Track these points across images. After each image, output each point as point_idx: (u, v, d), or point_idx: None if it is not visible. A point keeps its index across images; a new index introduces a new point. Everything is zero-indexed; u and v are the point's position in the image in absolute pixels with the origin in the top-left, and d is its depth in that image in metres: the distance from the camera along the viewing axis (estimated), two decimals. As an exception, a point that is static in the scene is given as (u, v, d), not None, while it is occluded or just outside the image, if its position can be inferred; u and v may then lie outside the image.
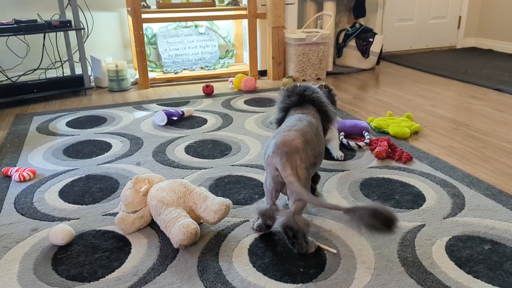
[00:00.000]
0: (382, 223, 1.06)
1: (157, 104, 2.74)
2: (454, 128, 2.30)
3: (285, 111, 1.47)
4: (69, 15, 3.04)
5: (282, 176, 1.19)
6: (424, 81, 3.30)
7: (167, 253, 1.28)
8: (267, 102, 2.75)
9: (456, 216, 1.45)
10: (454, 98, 2.84)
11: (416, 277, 1.16)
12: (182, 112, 2.44)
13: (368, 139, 2.05)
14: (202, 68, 3.56)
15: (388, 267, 1.20)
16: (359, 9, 3.80)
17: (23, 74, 3.22)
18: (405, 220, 1.43)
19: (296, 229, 1.22)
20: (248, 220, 1.44)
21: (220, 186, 1.67)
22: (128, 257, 1.27)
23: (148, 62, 3.42)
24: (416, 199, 1.56)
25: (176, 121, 2.41)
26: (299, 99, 1.45)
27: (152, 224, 1.42)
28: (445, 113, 2.54)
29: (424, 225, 1.40)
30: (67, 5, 2.96)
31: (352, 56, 3.73)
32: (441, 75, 3.47)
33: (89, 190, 1.66)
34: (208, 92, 2.93)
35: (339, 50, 3.79)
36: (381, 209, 1.07)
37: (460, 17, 4.56)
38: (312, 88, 1.47)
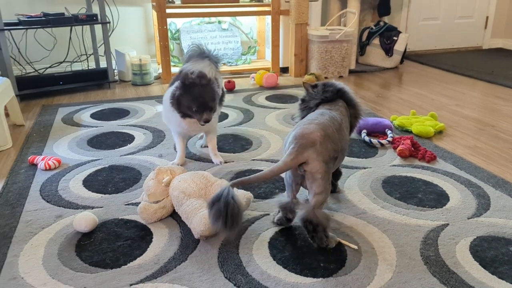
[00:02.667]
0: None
1: (179, 98, 2.76)
2: (480, 128, 2.25)
3: (316, 106, 1.46)
4: (95, 9, 3.08)
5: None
6: (449, 81, 3.25)
7: (188, 243, 1.29)
8: (288, 99, 2.75)
9: (481, 217, 1.42)
10: (480, 99, 2.79)
11: (439, 276, 1.14)
12: (204, 106, 2.45)
13: (391, 137, 2.02)
14: (224, 64, 3.57)
15: (410, 265, 1.19)
16: (383, 7, 3.76)
17: (50, 67, 3.28)
18: (428, 219, 1.41)
19: (316, 223, 1.22)
20: (268, 214, 1.44)
21: (241, 180, 1.68)
22: (150, 246, 1.28)
23: (171, 57, 3.45)
24: (439, 198, 1.54)
25: (198, 115, 2.42)
26: (334, 95, 1.43)
27: (174, 215, 1.44)
28: (470, 113, 2.49)
29: (447, 224, 1.38)
30: (94, -1, 3.01)
31: (375, 55, 3.69)
32: (466, 75, 3.40)
33: (112, 180, 1.68)
34: (230, 88, 2.94)
35: (362, 48, 3.76)
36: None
37: (487, 17, 4.46)
38: (346, 88, 1.46)
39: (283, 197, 1.33)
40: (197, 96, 1.59)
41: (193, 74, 1.58)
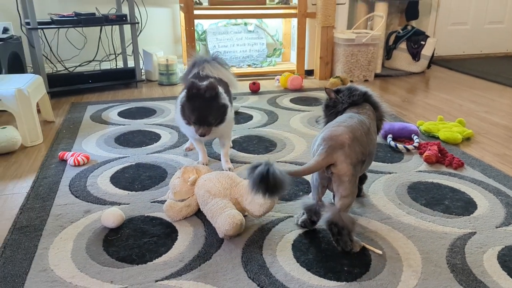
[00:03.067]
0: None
1: (205, 99, 2.78)
2: (509, 136, 2.20)
3: (344, 110, 1.45)
4: (125, 10, 3.14)
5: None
6: (477, 87, 3.18)
7: (212, 242, 1.30)
8: (313, 101, 2.74)
9: (510, 226, 1.39)
10: (510, 106, 2.73)
11: (466, 285, 1.12)
12: (229, 107, 2.47)
13: (417, 142, 2.00)
14: (249, 65, 3.59)
15: (436, 272, 1.17)
16: (411, 11, 3.72)
17: (79, 65, 3.36)
18: (455, 226, 1.39)
19: (341, 226, 1.22)
20: (292, 216, 1.44)
21: (265, 181, 1.68)
22: (175, 243, 1.30)
23: (197, 58, 3.48)
24: (467, 206, 1.51)
25: (223, 116, 2.44)
26: (360, 99, 1.43)
27: (198, 214, 1.45)
28: (500, 121, 2.44)
29: (475, 232, 1.35)
30: (124, 0, 3.07)
31: (402, 59, 3.65)
32: (495, 82, 3.33)
33: (139, 178, 1.71)
34: (255, 89, 2.95)
35: (388, 52, 3.72)
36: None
37: (519, 22, 4.36)
38: (371, 92, 1.46)
39: (309, 199, 1.33)
40: (197, 108, 1.55)
41: (201, 85, 1.53)
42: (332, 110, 1.46)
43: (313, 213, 1.32)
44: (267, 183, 1.07)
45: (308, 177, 1.69)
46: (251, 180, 1.10)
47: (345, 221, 1.22)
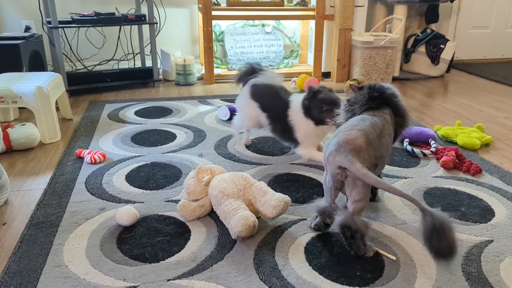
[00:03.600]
0: (438, 246, 1.05)
1: (221, 100, 2.80)
2: (530, 143, 2.16)
3: (361, 113, 1.43)
4: (143, 10, 3.17)
5: (351, 171, 1.17)
6: (498, 92, 3.13)
7: (225, 243, 1.31)
8: (329, 104, 2.72)
9: (528, 235, 1.36)
10: (531, 112, 2.67)
11: (481, 293, 1.10)
12: (245, 108, 2.48)
13: (434, 147, 1.97)
14: (266, 67, 3.59)
15: (450, 280, 1.15)
16: (431, 14, 3.67)
17: (98, 64, 3.41)
18: (472, 233, 1.36)
19: (354, 229, 1.21)
20: (305, 219, 1.44)
21: (279, 183, 1.68)
22: (188, 243, 1.31)
23: (214, 59, 3.50)
24: (484, 213, 1.48)
25: (238, 117, 2.45)
26: (381, 103, 1.40)
27: (212, 214, 1.46)
28: (520, 127, 2.39)
29: (492, 240, 1.33)
30: (143, 0, 3.10)
31: (420, 62, 3.61)
32: (517, 87, 3.26)
33: (154, 177, 1.73)
34: (271, 91, 2.95)
35: (407, 55, 3.68)
36: (447, 230, 1.05)
37: (542, 26, 4.27)
38: (396, 94, 1.43)
39: (322, 202, 1.32)
40: (327, 98, 1.78)
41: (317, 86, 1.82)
42: (351, 108, 1.44)
43: (326, 215, 1.31)
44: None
45: (321, 179, 1.68)
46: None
47: (358, 225, 1.21)
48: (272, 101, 1.91)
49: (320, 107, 1.77)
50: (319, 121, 1.81)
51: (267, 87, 1.94)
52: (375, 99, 1.39)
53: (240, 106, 2.00)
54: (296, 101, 1.85)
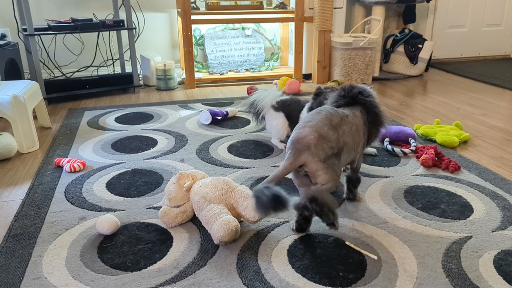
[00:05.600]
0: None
1: (202, 104, 2.79)
2: (506, 139, 2.20)
3: None
4: (122, 15, 3.15)
5: (306, 168, 1.25)
6: (475, 90, 3.18)
7: (208, 248, 1.30)
8: (310, 106, 2.74)
9: (506, 230, 1.38)
10: (507, 108, 2.72)
11: (461, 290, 1.12)
12: (227, 112, 2.48)
13: (414, 146, 2.00)
14: (247, 70, 3.59)
15: (431, 277, 1.17)
16: (409, 15, 3.72)
17: (77, 71, 3.37)
18: (451, 230, 1.38)
19: (321, 202, 1.25)
20: (288, 221, 1.44)
21: (261, 186, 1.68)
22: (170, 250, 1.30)
23: (195, 63, 3.49)
24: (463, 210, 1.51)
25: (220, 121, 2.44)
26: (351, 101, 1.44)
27: (194, 220, 1.45)
28: (497, 123, 2.44)
29: (471, 236, 1.35)
30: (121, 5, 3.07)
31: (399, 62, 3.66)
32: (493, 84, 3.33)
33: (135, 184, 1.71)
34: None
35: (386, 55, 3.72)
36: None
37: (516, 24, 4.36)
38: (367, 91, 1.45)
39: (296, 198, 1.34)
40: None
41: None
42: (318, 101, 1.48)
43: (302, 208, 1.33)
44: (275, 207, 1.15)
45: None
46: (261, 207, 1.16)
47: (325, 197, 1.26)
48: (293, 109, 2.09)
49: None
50: None
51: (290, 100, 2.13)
52: (344, 97, 1.44)
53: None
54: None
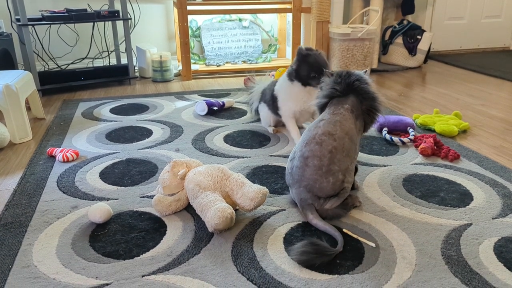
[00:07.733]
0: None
1: (199, 95, 2.75)
2: (506, 128, 2.17)
3: (330, 98, 1.45)
4: (117, 6, 3.11)
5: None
6: (474, 81, 3.15)
7: (202, 236, 1.27)
8: (308, 96, 2.71)
9: (506, 217, 1.36)
10: (507, 99, 2.70)
11: (461, 276, 1.09)
12: (223, 102, 2.44)
13: (413, 135, 1.97)
14: (244, 61, 3.56)
15: (430, 264, 1.14)
16: (407, 6, 3.68)
17: (72, 63, 3.33)
18: (450, 218, 1.36)
19: (331, 216, 1.30)
20: (284, 210, 1.41)
21: (257, 175, 1.65)
22: (163, 238, 1.27)
23: (191, 54, 3.45)
24: (462, 198, 1.48)
25: (216, 111, 2.41)
26: (346, 88, 1.41)
27: (188, 208, 1.42)
28: (496, 113, 2.41)
29: (471, 224, 1.32)
30: (116, -4, 3.03)
31: (398, 54, 3.62)
32: (492, 76, 3.30)
33: (129, 173, 1.68)
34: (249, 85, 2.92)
35: (385, 47, 3.69)
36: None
37: (516, 16, 4.33)
38: (364, 79, 1.43)
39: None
40: (313, 63, 1.81)
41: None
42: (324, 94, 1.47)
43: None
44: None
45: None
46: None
47: (332, 214, 1.31)
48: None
49: (307, 73, 1.82)
50: (306, 83, 1.86)
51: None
52: (340, 84, 1.42)
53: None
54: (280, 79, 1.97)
